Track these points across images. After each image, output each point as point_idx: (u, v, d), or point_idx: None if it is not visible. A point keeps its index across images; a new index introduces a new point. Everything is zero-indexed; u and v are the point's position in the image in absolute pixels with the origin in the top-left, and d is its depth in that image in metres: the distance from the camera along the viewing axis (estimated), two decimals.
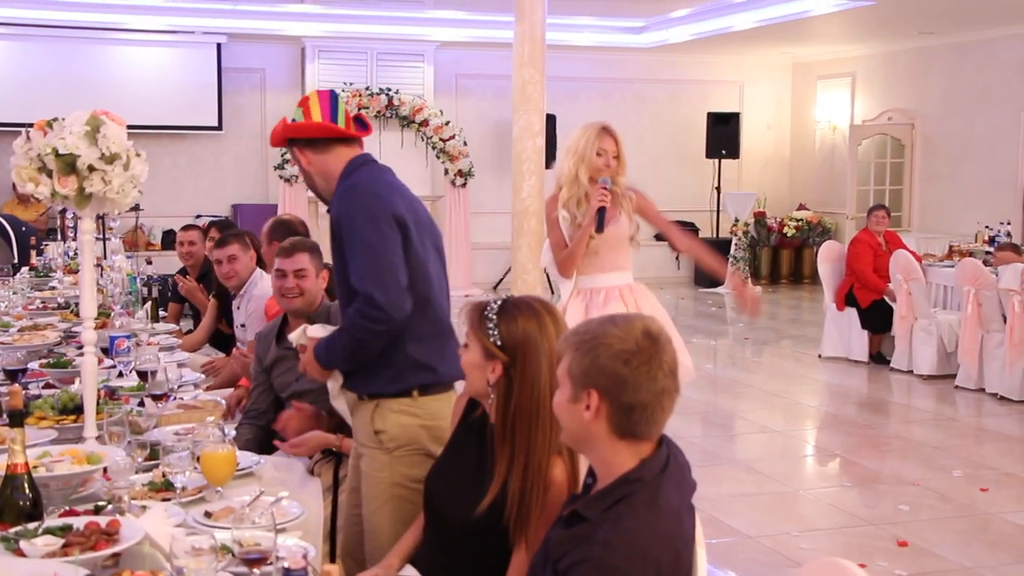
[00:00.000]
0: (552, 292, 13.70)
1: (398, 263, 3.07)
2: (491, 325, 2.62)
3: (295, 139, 3.29)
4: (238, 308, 5.65)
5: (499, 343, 2.61)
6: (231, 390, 4.91)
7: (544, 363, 2.57)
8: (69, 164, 2.96)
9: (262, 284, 5.49)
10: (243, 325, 5.57)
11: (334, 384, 3.30)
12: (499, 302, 2.66)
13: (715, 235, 15.53)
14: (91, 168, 2.97)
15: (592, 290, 5.01)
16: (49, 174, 2.98)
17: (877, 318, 9.57)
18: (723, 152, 15.40)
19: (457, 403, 2.92)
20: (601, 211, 4.82)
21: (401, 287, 3.06)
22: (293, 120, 3.29)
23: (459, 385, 2.99)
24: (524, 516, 2.52)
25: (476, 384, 2.68)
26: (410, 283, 3.10)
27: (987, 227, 11.24)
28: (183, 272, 7.01)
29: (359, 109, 13.42)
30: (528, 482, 2.53)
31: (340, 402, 3.34)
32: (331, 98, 3.28)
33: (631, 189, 5.04)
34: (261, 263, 5.75)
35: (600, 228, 4.83)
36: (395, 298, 3.04)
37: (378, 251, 3.05)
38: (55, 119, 3.02)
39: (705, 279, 15.20)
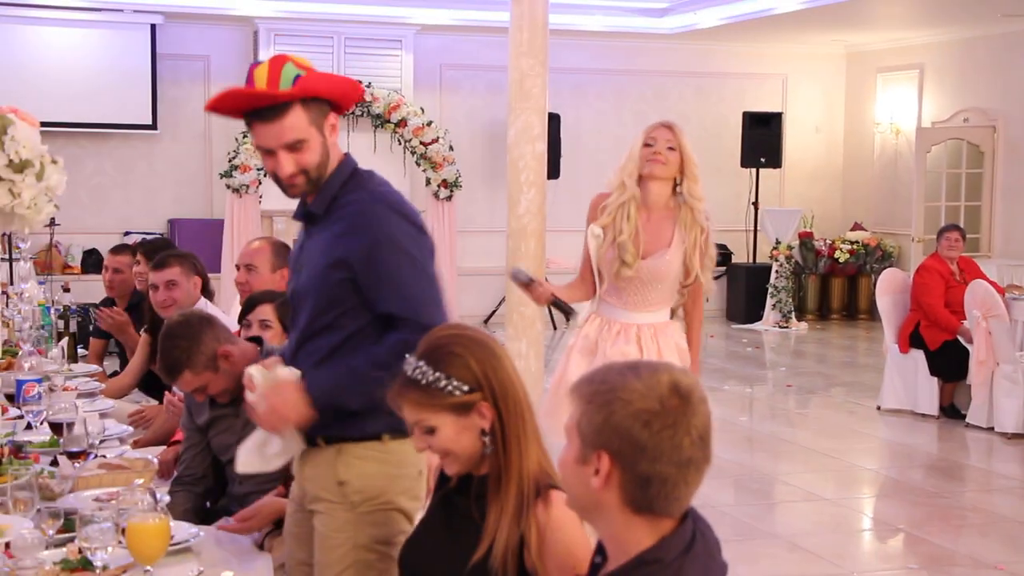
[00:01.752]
0: (555, 328, 13.73)
1: (441, 287, 3.19)
2: (440, 382, 2.65)
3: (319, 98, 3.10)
4: None
5: (465, 387, 2.65)
6: (165, 447, 4.89)
7: (508, 366, 2.70)
8: None
9: None
10: None
11: (294, 439, 3.23)
12: (418, 361, 2.67)
13: (751, 259, 15.56)
14: None
15: (609, 320, 5.12)
16: None
17: (949, 363, 9.56)
18: (762, 160, 15.44)
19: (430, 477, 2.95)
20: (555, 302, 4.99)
21: (448, 316, 3.15)
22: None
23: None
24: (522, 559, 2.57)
25: (466, 453, 2.70)
26: None
27: None
28: (110, 303, 6.96)
29: None
30: (524, 517, 2.60)
31: (270, 457, 3.23)
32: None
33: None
34: (208, 292, 5.76)
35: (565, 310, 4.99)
36: None
37: (429, 274, 3.14)
38: None
39: (739, 314, 15.20)
